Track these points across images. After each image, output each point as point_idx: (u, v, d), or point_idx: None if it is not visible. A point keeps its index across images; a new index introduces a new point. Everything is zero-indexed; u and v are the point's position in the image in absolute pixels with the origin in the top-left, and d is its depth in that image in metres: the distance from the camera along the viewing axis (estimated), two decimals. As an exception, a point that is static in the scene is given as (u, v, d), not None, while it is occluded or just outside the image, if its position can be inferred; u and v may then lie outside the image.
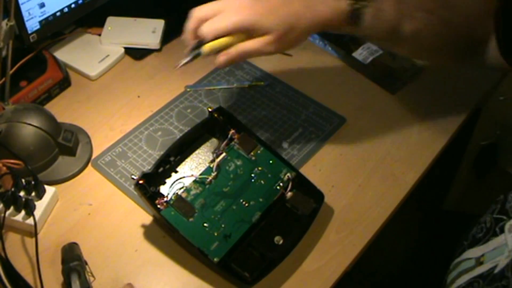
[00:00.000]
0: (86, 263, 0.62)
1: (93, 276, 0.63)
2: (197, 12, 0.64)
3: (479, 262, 0.59)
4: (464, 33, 0.69)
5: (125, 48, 0.93)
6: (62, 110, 0.83)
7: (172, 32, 0.95)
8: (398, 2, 0.66)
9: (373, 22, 0.66)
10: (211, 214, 0.67)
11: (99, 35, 0.94)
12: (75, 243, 0.64)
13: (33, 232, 0.65)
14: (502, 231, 0.59)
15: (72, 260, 0.60)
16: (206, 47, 0.63)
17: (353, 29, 0.66)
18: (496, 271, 0.56)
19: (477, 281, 0.58)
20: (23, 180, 0.68)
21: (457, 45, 0.71)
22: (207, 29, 0.63)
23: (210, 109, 0.74)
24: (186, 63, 0.65)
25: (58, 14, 0.86)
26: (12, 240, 0.67)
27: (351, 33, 0.68)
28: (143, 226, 0.70)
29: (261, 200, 0.69)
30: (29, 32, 0.82)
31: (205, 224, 0.66)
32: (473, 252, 0.61)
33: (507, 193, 0.62)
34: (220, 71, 0.90)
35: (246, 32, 0.63)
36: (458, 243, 0.66)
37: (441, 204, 1.28)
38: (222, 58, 0.64)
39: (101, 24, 0.95)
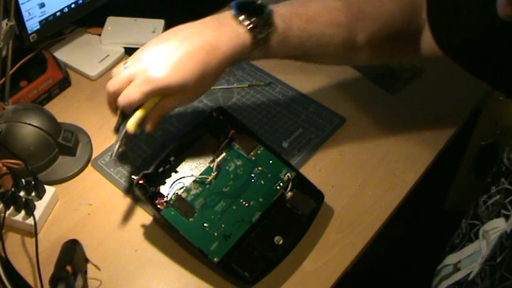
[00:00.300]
0: (89, 261, 0.62)
1: (97, 279, 0.63)
2: (110, 87, 0.63)
3: (456, 268, 0.59)
4: (385, 37, 0.68)
5: (125, 48, 0.93)
6: (62, 110, 0.83)
7: (172, 32, 0.95)
8: (307, 22, 0.65)
9: (282, 46, 0.65)
10: (211, 214, 0.67)
11: (99, 35, 0.94)
12: (75, 241, 0.62)
13: (33, 232, 0.65)
14: (477, 236, 0.58)
15: (62, 268, 0.57)
16: (130, 126, 0.63)
17: (263, 56, 0.66)
18: (470, 278, 0.55)
19: None
20: (23, 180, 0.68)
21: (381, 47, 0.70)
22: (123, 104, 0.62)
23: (210, 109, 0.74)
24: (119, 148, 0.65)
25: (58, 14, 0.86)
26: (12, 240, 0.67)
27: (262, 58, 0.67)
28: (143, 226, 0.70)
29: (261, 200, 0.69)
30: (29, 32, 0.82)
31: (205, 224, 0.66)
32: (451, 259, 0.61)
33: (479, 198, 0.62)
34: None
35: (160, 95, 0.63)
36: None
37: (441, 204, 1.28)
38: (148, 126, 0.64)
39: (101, 24, 0.95)
